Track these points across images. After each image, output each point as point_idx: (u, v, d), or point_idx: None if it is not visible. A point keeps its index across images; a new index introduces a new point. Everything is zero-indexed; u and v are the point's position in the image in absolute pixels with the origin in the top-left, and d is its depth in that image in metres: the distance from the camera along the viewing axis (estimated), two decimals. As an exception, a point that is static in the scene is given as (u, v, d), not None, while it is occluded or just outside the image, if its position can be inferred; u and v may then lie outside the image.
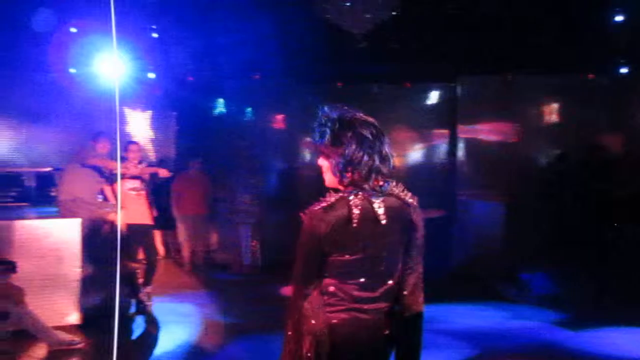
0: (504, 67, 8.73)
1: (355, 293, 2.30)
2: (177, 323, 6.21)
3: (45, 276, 5.84)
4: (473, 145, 9.08)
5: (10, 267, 5.36)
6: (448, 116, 9.51)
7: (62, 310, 5.90)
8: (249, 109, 10.16)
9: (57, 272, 5.89)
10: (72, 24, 7.67)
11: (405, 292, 2.37)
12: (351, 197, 2.26)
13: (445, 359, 5.13)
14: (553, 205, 8.25)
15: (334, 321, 2.30)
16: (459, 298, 6.87)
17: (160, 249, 9.04)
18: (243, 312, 6.65)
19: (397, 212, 2.31)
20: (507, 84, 8.80)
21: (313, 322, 2.30)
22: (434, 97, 9.90)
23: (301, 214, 2.33)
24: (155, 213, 6.99)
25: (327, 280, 2.33)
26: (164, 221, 8.64)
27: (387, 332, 2.35)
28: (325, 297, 2.34)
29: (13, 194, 8.20)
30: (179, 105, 10.53)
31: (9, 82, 9.15)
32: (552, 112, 9.00)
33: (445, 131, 9.73)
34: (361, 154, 2.25)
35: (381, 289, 2.33)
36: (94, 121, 8.82)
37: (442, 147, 9.82)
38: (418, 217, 2.36)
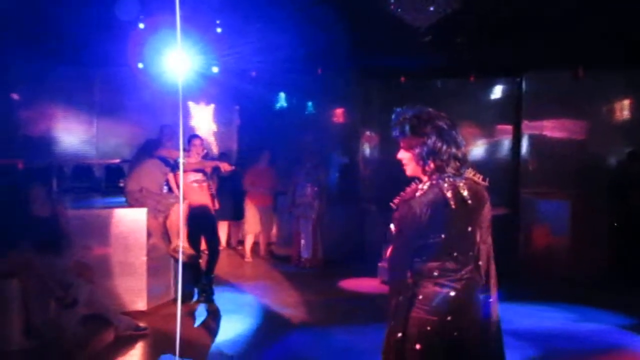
0: (573, 62, 8.43)
1: (450, 266, 2.54)
2: (238, 313, 6.33)
3: (114, 263, 6.07)
4: (538, 142, 8.82)
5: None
6: (513, 111, 9.29)
7: (130, 297, 6.11)
8: (312, 103, 10.21)
9: (125, 260, 6.10)
10: (140, 20, 7.88)
11: (480, 262, 2.63)
12: (440, 182, 2.51)
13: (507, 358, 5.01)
14: (622, 206, 7.95)
15: (437, 299, 2.52)
16: (522, 299, 6.69)
17: (222, 239, 9.22)
18: (302, 304, 6.70)
19: (475, 192, 2.57)
20: (577, 79, 8.49)
21: (422, 309, 2.53)
22: (498, 91, 9.68)
23: (395, 203, 2.62)
24: (217, 204, 7.11)
25: (425, 262, 2.55)
26: (227, 212, 8.82)
27: (477, 300, 2.60)
28: (425, 278, 2.55)
29: (85, 184, 8.57)
30: (242, 99, 10.70)
31: (80, 78, 9.53)
32: (623, 109, 8.62)
33: (509, 127, 9.51)
34: (440, 143, 2.53)
35: (467, 261, 2.58)
36: (160, 115, 9.08)
37: (506, 143, 9.60)
38: (487, 195, 2.65)
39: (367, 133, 10.36)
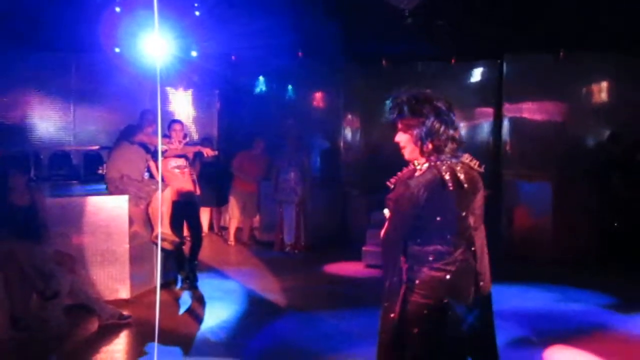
0: (554, 45, 8.45)
1: (444, 249, 2.54)
2: (222, 299, 6.28)
3: (95, 251, 5.97)
4: (519, 125, 8.85)
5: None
6: (494, 94, 9.31)
7: (113, 286, 6.03)
8: (293, 88, 10.13)
9: (107, 248, 6.01)
10: (116, 3, 7.71)
11: (473, 248, 2.62)
12: (438, 164, 2.52)
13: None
14: (603, 186, 8.03)
15: (433, 283, 2.53)
16: (506, 280, 6.72)
17: (205, 225, 9.15)
18: (287, 289, 6.68)
19: (471, 178, 2.57)
20: (558, 62, 8.51)
21: (418, 294, 2.54)
22: (480, 74, 9.69)
23: (391, 182, 2.63)
24: (199, 190, 7.03)
25: (420, 245, 2.56)
26: (209, 198, 8.74)
27: (471, 282, 2.60)
28: (421, 263, 2.56)
29: (63, 172, 8.40)
30: (222, 83, 10.58)
31: (56, 63, 9.31)
32: (603, 92, 8.67)
33: (490, 109, 9.54)
34: (439, 124, 2.53)
35: (460, 243, 2.57)
36: (138, 100, 8.94)
37: (487, 126, 9.64)
38: (482, 182, 2.64)
39: (349, 117, 10.32)
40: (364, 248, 7.89)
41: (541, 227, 8.27)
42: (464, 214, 2.57)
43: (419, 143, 2.56)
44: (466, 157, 2.61)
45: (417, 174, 2.54)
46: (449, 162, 2.52)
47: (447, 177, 2.48)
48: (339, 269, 7.74)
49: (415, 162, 2.64)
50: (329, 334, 5.24)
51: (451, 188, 2.48)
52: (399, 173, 2.66)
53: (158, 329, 4.86)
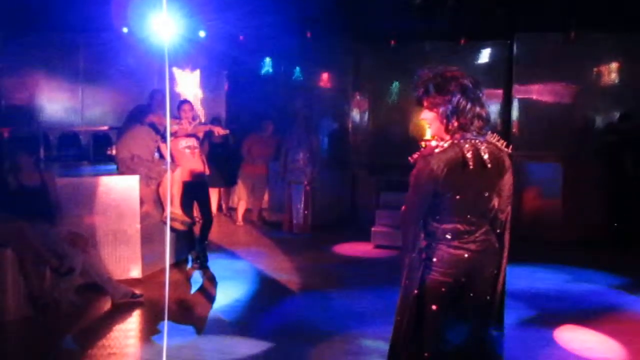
0: (565, 24, 8.36)
1: (464, 228, 2.55)
2: (232, 279, 6.33)
3: (107, 231, 6.01)
4: (529, 105, 8.80)
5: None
6: (504, 75, 9.24)
7: (124, 265, 6.07)
8: (301, 68, 10.08)
9: (118, 228, 6.04)
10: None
11: (498, 231, 2.68)
12: (462, 142, 2.50)
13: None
14: (613, 167, 8.00)
15: (452, 261, 2.54)
16: (515, 261, 6.73)
17: (213, 206, 9.17)
18: (297, 269, 6.71)
19: (496, 158, 2.56)
20: (568, 42, 8.43)
21: (437, 271, 2.55)
22: (489, 55, 9.62)
23: (413, 157, 2.60)
24: (208, 171, 7.04)
25: (439, 223, 2.57)
26: (218, 179, 8.76)
27: (490, 262, 2.64)
28: (439, 241, 2.57)
29: (72, 153, 8.44)
30: (230, 64, 10.54)
31: (64, 44, 9.30)
32: (614, 72, 8.60)
33: (500, 90, 9.48)
34: (465, 101, 2.50)
35: (482, 223, 2.59)
36: (145, 81, 8.94)
37: (497, 107, 9.58)
38: (510, 163, 2.64)
39: (358, 98, 10.28)
40: (372, 229, 7.90)
41: (551, 208, 8.27)
42: (487, 194, 2.57)
43: (445, 121, 2.53)
44: (494, 137, 2.60)
45: (438, 150, 2.52)
46: (473, 141, 2.51)
47: (468, 155, 2.47)
48: (347, 249, 7.76)
49: (438, 141, 2.61)
50: (339, 313, 5.28)
51: (472, 167, 2.46)
52: (422, 149, 2.64)
53: (168, 307, 4.94)
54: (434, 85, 2.53)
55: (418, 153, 2.62)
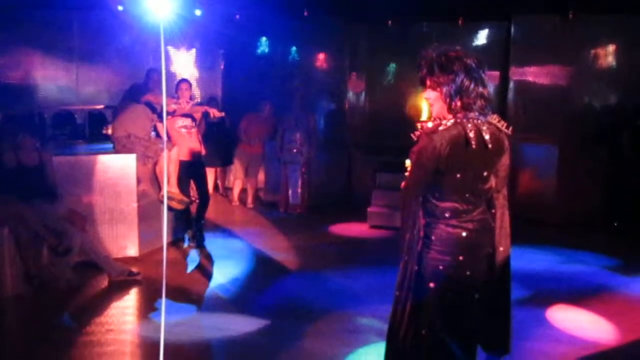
0: (562, 6, 8.33)
1: (463, 207, 2.58)
2: (229, 258, 6.36)
3: (104, 210, 6.01)
4: (526, 88, 8.79)
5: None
6: (501, 57, 9.21)
7: (121, 244, 6.09)
8: (298, 48, 10.03)
9: (115, 206, 6.05)
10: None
11: (493, 211, 2.71)
12: (465, 121, 2.52)
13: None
14: (610, 149, 8.03)
15: (450, 240, 2.57)
16: (512, 241, 6.77)
17: (210, 186, 9.18)
18: (293, 249, 6.75)
19: (497, 139, 2.60)
20: (566, 24, 8.40)
21: (435, 250, 2.58)
22: (487, 36, 9.58)
23: (415, 134, 2.64)
24: (204, 150, 7.03)
25: (438, 201, 2.59)
26: (214, 158, 8.76)
27: (487, 242, 2.67)
28: (437, 219, 2.60)
29: (67, 132, 8.40)
30: (226, 44, 10.47)
31: (58, 22, 9.20)
32: (611, 55, 8.58)
33: (496, 72, 9.45)
34: (468, 81, 2.52)
35: (480, 203, 2.63)
36: (141, 60, 8.88)
37: (494, 89, 9.56)
38: (508, 144, 2.67)
39: (354, 78, 10.24)
40: (368, 209, 7.94)
41: (547, 190, 8.28)
42: (485, 174, 2.60)
43: (448, 100, 2.54)
44: (494, 118, 2.63)
45: (441, 128, 2.53)
46: (475, 121, 2.53)
47: (471, 134, 2.49)
48: (344, 229, 7.79)
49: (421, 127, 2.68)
50: (335, 291, 5.33)
51: (474, 146, 2.49)
52: (424, 126, 2.66)
53: (165, 284, 4.96)
54: (438, 64, 2.54)
55: (420, 130, 2.65)
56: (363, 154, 9.64)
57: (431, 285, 2.59)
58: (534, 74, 8.78)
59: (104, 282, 5.39)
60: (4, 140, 5.43)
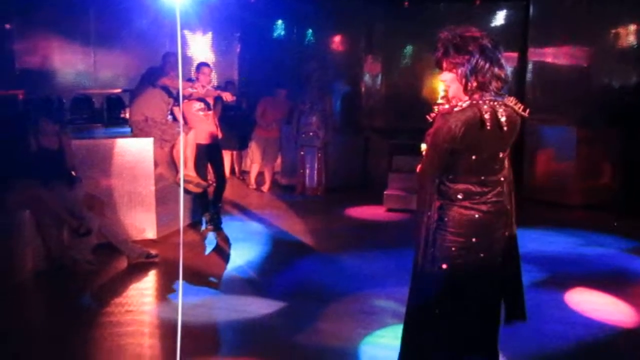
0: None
1: (476, 189, 2.59)
2: (246, 240, 6.40)
3: (122, 193, 6.08)
4: (544, 68, 8.69)
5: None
6: (519, 37, 9.10)
7: (139, 227, 6.15)
8: (314, 30, 9.98)
9: (133, 190, 6.11)
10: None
11: (506, 189, 2.69)
12: (480, 103, 2.51)
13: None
14: (628, 131, 7.93)
15: (463, 221, 2.57)
16: (527, 224, 6.72)
17: (226, 169, 9.22)
18: (309, 232, 6.77)
19: (512, 121, 2.59)
20: (584, 4, 8.26)
21: (448, 231, 2.58)
22: (504, 16, 9.45)
23: (431, 116, 2.63)
24: (220, 134, 7.05)
25: (452, 182, 2.60)
26: (231, 142, 8.79)
27: (502, 225, 2.66)
28: (451, 201, 2.60)
29: (85, 116, 8.47)
30: (242, 27, 10.45)
31: (75, 6, 9.23)
32: (630, 35, 8.43)
33: (515, 53, 9.35)
34: (484, 61, 2.50)
35: (495, 185, 2.63)
36: (157, 43, 8.90)
37: (511, 70, 9.45)
38: (520, 127, 2.67)
39: (370, 61, 10.19)
40: (385, 192, 7.93)
41: (564, 172, 8.21)
42: (501, 155, 2.61)
43: (464, 81, 2.52)
44: (511, 100, 2.61)
45: (457, 109, 2.52)
46: (491, 103, 2.51)
47: (486, 116, 2.47)
48: (360, 212, 7.80)
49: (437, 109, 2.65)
50: (352, 274, 5.34)
51: (489, 127, 2.48)
52: (440, 107, 2.64)
53: (183, 267, 5.01)
54: (454, 45, 2.53)
55: (436, 112, 2.63)
56: (379, 137, 9.61)
57: (444, 266, 2.59)
58: (552, 55, 8.68)
59: (123, 264, 5.45)
60: (25, 124, 5.50)
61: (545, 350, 3.82)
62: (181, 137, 4.73)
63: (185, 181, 6.41)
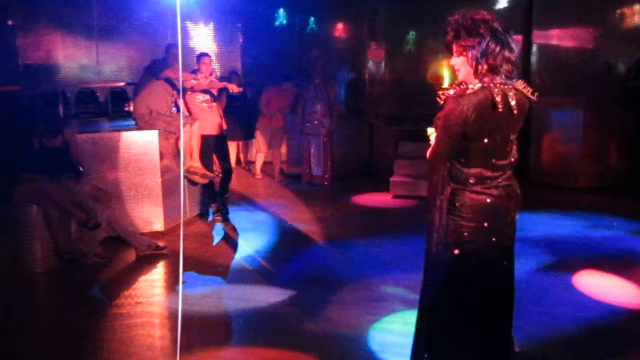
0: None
1: (488, 173, 2.59)
2: (254, 230, 6.42)
3: (129, 186, 6.10)
4: (549, 51, 8.62)
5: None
6: (523, 20, 9.02)
7: (147, 219, 6.18)
8: (317, 19, 9.94)
9: (140, 182, 6.13)
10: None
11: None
12: (491, 86, 2.50)
13: (521, 265, 5.10)
14: (634, 113, 7.87)
15: (474, 206, 2.58)
16: (535, 207, 6.70)
17: (232, 159, 9.23)
18: (317, 220, 6.78)
19: (522, 104, 2.58)
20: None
21: (459, 216, 2.58)
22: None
23: (441, 99, 2.61)
24: (225, 125, 7.05)
25: (463, 167, 2.59)
26: (236, 132, 8.79)
27: (512, 208, 2.67)
28: (462, 186, 2.60)
29: (90, 110, 8.49)
30: (244, 16, 10.41)
31: (77, 0, 9.22)
32: (635, 15, 8.35)
33: (519, 36, 9.27)
34: (495, 44, 2.49)
35: (505, 169, 2.64)
36: (159, 35, 8.88)
37: (516, 53, 9.37)
38: (528, 110, 2.66)
39: (374, 47, 10.13)
40: (391, 179, 7.92)
41: (571, 154, 8.15)
42: (512, 137, 2.62)
43: (474, 63, 2.52)
44: (520, 84, 2.59)
45: (468, 92, 2.52)
46: (502, 86, 2.50)
47: (498, 99, 2.47)
48: (367, 199, 7.80)
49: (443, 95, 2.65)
50: (360, 261, 5.35)
51: (501, 110, 2.48)
52: (445, 93, 2.63)
53: (192, 257, 5.06)
54: (464, 28, 2.52)
55: (445, 95, 2.62)
56: (384, 124, 9.59)
57: (455, 252, 2.59)
58: (557, 37, 8.61)
59: (131, 257, 5.48)
60: (30, 119, 5.52)
61: (554, 333, 3.82)
62: (181, 129, 4.73)
63: (191, 172, 6.43)
